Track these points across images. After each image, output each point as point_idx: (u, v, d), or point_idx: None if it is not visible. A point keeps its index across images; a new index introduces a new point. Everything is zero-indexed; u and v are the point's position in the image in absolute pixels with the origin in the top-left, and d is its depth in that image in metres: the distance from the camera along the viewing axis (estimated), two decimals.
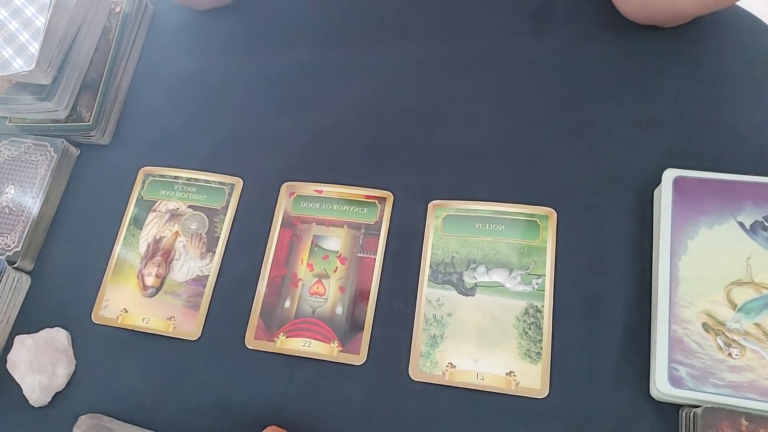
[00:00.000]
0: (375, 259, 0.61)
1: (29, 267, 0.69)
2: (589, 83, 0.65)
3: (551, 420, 0.53)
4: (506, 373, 0.55)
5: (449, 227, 0.61)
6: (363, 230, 0.63)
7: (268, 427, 0.55)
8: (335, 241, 0.63)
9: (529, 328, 0.56)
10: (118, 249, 0.67)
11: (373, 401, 0.56)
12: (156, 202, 0.69)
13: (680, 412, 0.51)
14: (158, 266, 0.65)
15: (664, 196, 0.54)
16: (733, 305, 0.50)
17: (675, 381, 0.49)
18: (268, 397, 0.58)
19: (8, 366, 0.63)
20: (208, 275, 0.64)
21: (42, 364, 0.61)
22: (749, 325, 0.49)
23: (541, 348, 0.55)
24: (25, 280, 0.68)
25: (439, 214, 0.62)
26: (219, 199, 0.68)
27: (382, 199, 0.64)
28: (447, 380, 0.55)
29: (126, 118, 0.76)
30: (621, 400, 0.53)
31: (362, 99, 0.70)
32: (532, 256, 0.58)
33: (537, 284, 0.57)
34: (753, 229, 0.52)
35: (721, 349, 0.49)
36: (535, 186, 0.61)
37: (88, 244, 0.69)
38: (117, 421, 0.59)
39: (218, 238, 0.66)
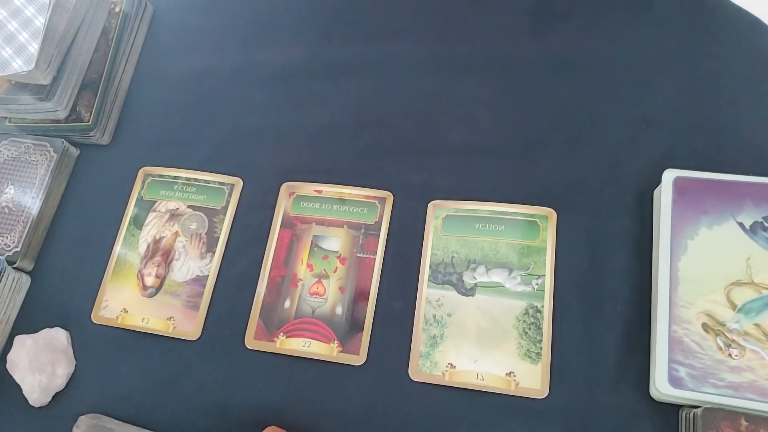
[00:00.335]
0: (375, 259, 0.61)
1: (29, 267, 0.69)
2: (589, 83, 0.65)
3: (551, 420, 0.53)
4: (506, 374, 0.55)
5: (449, 227, 0.61)
6: (363, 230, 0.63)
7: (268, 427, 0.55)
8: (335, 241, 0.63)
9: (529, 329, 0.56)
10: (117, 249, 0.67)
11: (373, 401, 0.56)
12: (156, 202, 0.69)
13: (680, 412, 0.51)
14: (158, 266, 0.65)
15: (664, 196, 0.54)
16: (733, 305, 0.50)
17: (675, 381, 0.49)
18: (268, 397, 0.58)
19: (8, 366, 0.63)
20: (208, 275, 0.64)
21: (42, 364, 0.61)
22: (749, 326, 0.49)
23: (541, 348, 0.55)
24: (25, 280, 0.68)
25: (439, 214, 0.62)
26: (219, 199, 0.68)
27: (382, 199, 0.64)
28: (447, 380, 0.55)
29: (126, 118, 0.76)
30: (621, 400, 0.53)
31: (362, 99, 0.70)
32: (532, 256, 0.58)
33: (537, 284, 0.57)
34: (753, 229, 0.52)
35: (721, 349, 0.49)
36: (535, 186, 0.61)
37: (88, 244, 0.69)
38: (117, 421, 0.59)
39: (218, 238, 0.66)
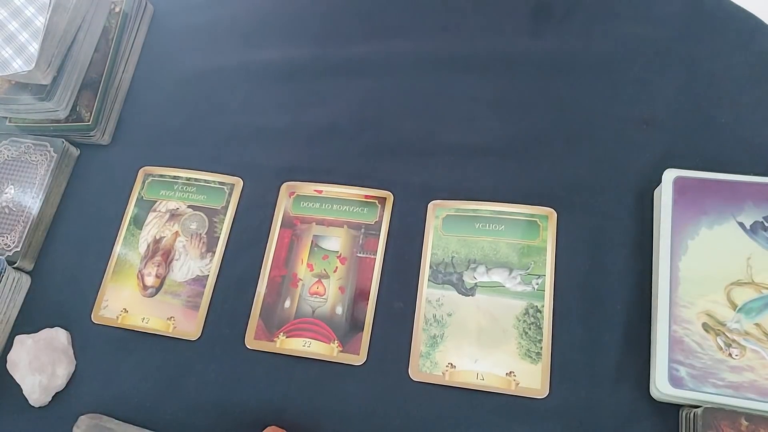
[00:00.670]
0: (375, 259, 0.61)
1: (29, 267, 0.69)
2: (589, 83, 0.65)
3: (551, 420, 0.53)
4: (506, 373, 0.55)
5: (449, 227, 0.61)
6: (363, 230, 0.63)
7: (268, 427, 0.55)
8: (335, 241, 0.63)
9: (529, 328, 0.56)
10: (118, 249, 0.67)
11: (373, 401, 0.56)
12: (156, 202, 0.69)
13: (680, 412, 0.51)
14: (158, 266, 0.65)
15: (664, 196, 0.54)
16: (733, 305, 0.50)
17: (675, 381, 0.49)
18: (268, 397, 0.58)
19: (8, 366, 0.63)
20: (208, 275, 0.64)
21: (42, 364, 0.61)
22: (749, 326, 0.49)
23: (541, 348, 0.55)
24: (25, 280, 0.68)
25: (439, 214, 0.62)
26: (219, 199, 0.68)
27: (382, 199, 0.64)
28: (447, 380, 0.55)
29: (126, 118, 0.76)
30: (621, 400, 0.53)
31: (362, 99, 0.70)
32: (532, 256, 0.58)
33: (537, 284, 0.57)
34: (753, 229, 0.52)
35: (721, 349, 0.49)
36: (535, 186, 0.61)
37: (88, 244, 0.69)
38: (117, 421, 0.59)
39: (218, 238, 0.66)
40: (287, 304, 0.61)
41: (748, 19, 0.65)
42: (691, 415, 0.48)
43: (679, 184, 0.55)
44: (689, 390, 0.48)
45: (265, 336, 0.60)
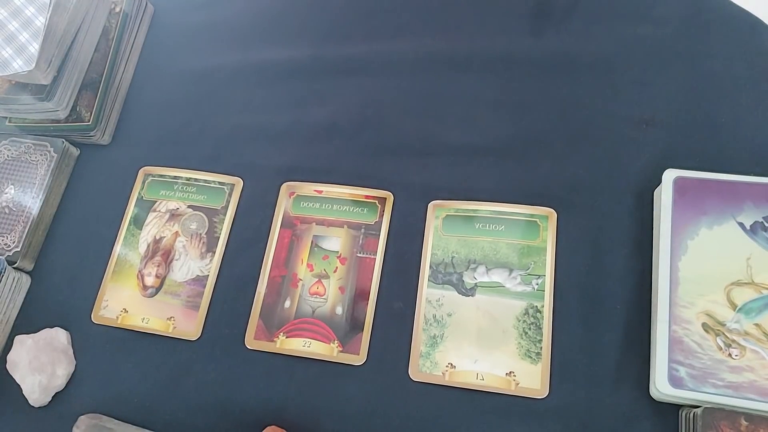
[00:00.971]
0: (375, 259, 0.61)
1: (29, 267, 0.69)
2: (589, 83, 0.65)
3: (551, 420, 0.53)
4: (506, 373, 0.55)
5: (449, 227, 0.61)
6: (363, 230, 0.63)
7: (268, 427, 0.55)
8: (335, 241, 0.63)
9: (529, 329, 0.56)
10: (118, 249, 0.67)
11: (373, 401, 0.56)
12: (156, 202, 0.69)
13: (680, 412, 0.51)
14: (158, 266, 0.65)
15: (664, 196, 0.54)
16: (733, 305, 0.50)
17: (675, 381, 0.49)
18: (268, 397, 0.58)
19: (8, 366, 0.63)
20: (208, 275, 0.64)
21: (42, 364, 0.61)
22: (749, 326, 0.49)
23: (541, 348, 0.55)
24: (25, 280, 0.68)
25: (439, 214, 0.62)
26: (219, 199, 0.68)
27: (382, 199, 0.64)
28: (447, 380, 0.55)
29: (126, 118, 0.76)
30: (621, 400, 0.53)
31: (362, 99, 0.70)
32: (532, 256, 0.58)
33: (537, 284, 0.57)
34: (753, 230, 0.52)
35: (721, 349, 0.49)
36: (535, 186, 0.61)
37: (88, 244, 0.69)
38: (117, 421, 0.59)
39: (218, 238, 0.66)
40: (287, 304, 0.61)
41: (748, 18, 0.65)
42: (691, 415, 0.48)
43: (679, 184, 0.54)
44: (689, 390, 0.48)
45: (265, 336, 0.60)
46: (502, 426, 0.54)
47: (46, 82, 0.68)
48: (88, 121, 0.72)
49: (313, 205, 0.65)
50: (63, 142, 0.72)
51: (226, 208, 0.67)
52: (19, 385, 0.62)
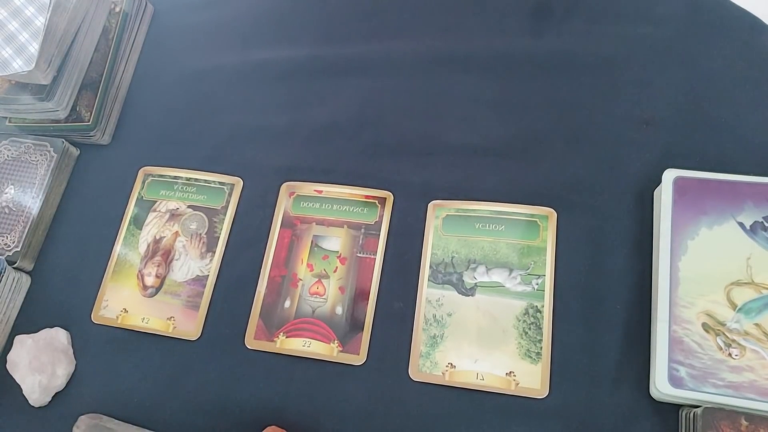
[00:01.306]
0: (375, 259, 0.61)
1: (29, 267, 0.69)
2: (589, 83, 0.65)
3: (551, 420, 0.53)
4: (506, 373, 0.55)
5: (449, 227, 0.61)
6: (363, 230, 0.63)
7: (268, 427, 0.55)
8: (335, 241, 0.63)
9: (529, 328, 0.56)
10: (118, 249, 0.67)
11: (373, 401, 0.56)
12: (156, 202, 0.69)
13: (680, 412, 0.51)
14: (158, 266, 0.65)
15: (664, 196, 0.54)
16: (733, 305, 0.50)
17: (675, 381, 0.49)
18: (268, 397, 0.58)
19: (8, 366, 0.63)
20: (208, 275, 0.64)
21: (42, 364, 0.61)
22: (749, 326, 0.49)
23: (541, 348, 0.55)
24: (25, 280, 0.68)
25: (439, 214, 0.62)
26: (219, 199, 0.68)
27: (382, 199, 0.64)
28: (447, 380, 0.55)
29: (126, 118, 0.76)
30: (621, 400, 0.53)
31: (362, 99, 0.70)
32: (532, 256, 0.58)
33: (537, 284, 0.57)
34: (753, 230, 0.52)
35: (721, 349, 0.49)
36: (535, 186, 0.61)
37: (88, 244, 0.69)
38: (117, 421, 0.59)
39: (218, 238, 0.66)
40: (287, 304, 0.61)
41: (747, 18, 0.65)
42: (691, 415, 0.48)
43: (679, 184, 0.54)
44: (689, 390, 0.48)
45: (265, 336, 0.60)
46: (502, 426, 0.54)
47: (46, 82, 0.68)
48: (88, 121, 0.72)
49: (313, 205, 0.65)
50: (63, 142, 0.72)
51: (226, 208, 0.67)
52: (19, 385, 0.62)
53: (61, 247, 0.70)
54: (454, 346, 0.56)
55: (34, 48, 0.66)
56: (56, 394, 0.62)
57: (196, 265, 0.65)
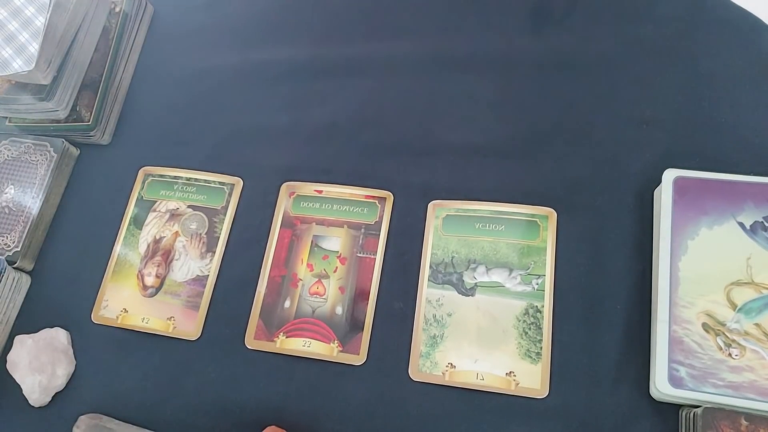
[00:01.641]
0: (375, 259, 0.61)
1: (29, 267, 0.69)
2: (589, 83, 0.65)
3: (551, 420, 0.53)
4: (506, 373, 0.55)
5: (449, 227, 0.61)
6: (363, 230, 0.63)
7: (268, 427, 0.55)
8: (335, 241, 0.63)
9: (529, 328, 0.56)
10: (118, 249, 0.67)
11: (373, 401, 0.56)
12: (156, 202, 0.69)
13: (680, 412, 0.51)
14: (158, 266, 0.65)
15: (664, 196, 0.54)
16: (733, 305, 0.50)
17: (675, 381, 0.49)
18: (268, 397, 0.58)
19: (8, 366, 0.63)
20: (208, 275, 0.64)
21: (42, 364, 0.61)
22: (749, 326, 0.49)
23: (541, 348, 0.55)
24: (25, 280, 0.68)
25: (439, 214, 0.62)
26: (219, 199, 0.68)
27: (382, 199, 0.64)
28: (447, 380, 0.55)
29: (126, 118, 0.76)
30: (621, 400, 0.53)
31: (362, 99, 0.70)
32: (532, 256, 0.58)
33: (537, 284, 0.57)
34: (753, 230, 0.52)
35: (721, 349, 0.49)
36: (535, 186, 0.61)
37: (88, 244, 0.69)
38: (117, 421, 0.59)
39: (218, 238, 0.66)
40: (287, 304, 0.61)
41: (748, 19, 0.65)
42: (691, 415, 0.48)
43: (679, 184, 0.54)
44: (689, 390, 0.48)
45: (265, 336, 0.60)
46: (502, 426, 0.54)
47: (46, 82, 0.68)
48: (88, 121, 0.72)
49: (313, 205, 0.65)
50: (63, 142, 0.72)
51: (226, 208, 0.67)
52: (19, 385, 0.62)
53: (61, 247, 0.70)
54: (454, 346, 0.56)
55: (34, 48, 0.66)
56: (56, 394, 0.62)
57: (196, 265, 0.65)
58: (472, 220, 0.61)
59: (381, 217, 0.63)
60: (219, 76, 0.75)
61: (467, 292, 0.58)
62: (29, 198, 0.69)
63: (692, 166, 0.56)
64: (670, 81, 0.63)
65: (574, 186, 0.61)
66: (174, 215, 0.68)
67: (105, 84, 0.74)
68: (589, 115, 0.63)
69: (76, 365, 0.63)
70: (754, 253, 0.51)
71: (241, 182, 0.68)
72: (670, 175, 0.55)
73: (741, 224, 0.52)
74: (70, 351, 0.64)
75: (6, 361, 0.63)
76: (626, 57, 0.65)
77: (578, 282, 0.57)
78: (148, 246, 0.67)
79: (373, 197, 0.64)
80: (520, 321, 0.56)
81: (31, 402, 0.61)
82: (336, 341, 0.59)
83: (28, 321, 0.66)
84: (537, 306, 0.56)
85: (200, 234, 0.66)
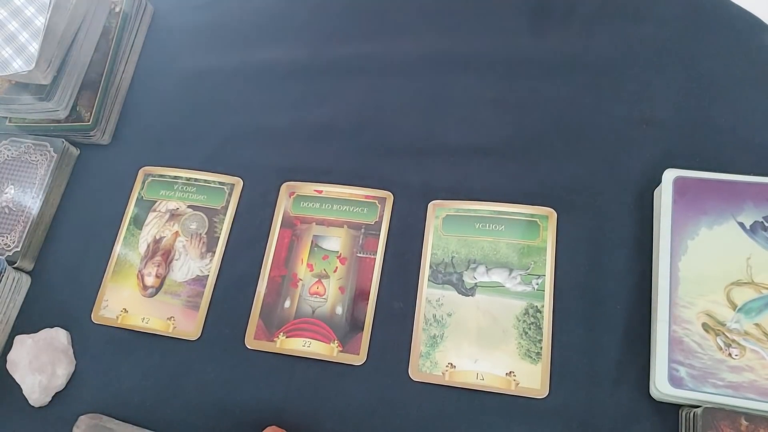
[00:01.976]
0: (375, 259, 0.61)
1: (29, 267, 0.69)
2: (589, 83, 0.65)
3: (551, 420, 0.53)
4: (506, 373, 0.55)
5: (449, 227, 0.61)
6: (363, 230, 0.63)
7: (268, 427, 0.55)
8: (335, 241, 0.63)
9: (529, 328, 0.56)
10: (118, 249, 0.67)
11: (373, 401, 0.56)
12: (156, 202, 0.69)
13: (680, 412, 0.51)
14: (158, 266, 0.65)
15: (664, 196, 0.54)
16: (733, 305, 0.50)
17: (675, 381, 0.49)
18: (268, 397, 0.58)
19: (8, 366, 0.63)
20: (208, 275, 0.64)
21: (42, 364, 0.61)
22: (749, 326, 0.49)
23: (541, 348, 0.55)
24: (25, 280, 0.68)
25: (439, 214, 0.62)
26: (219, 199, 0.68)
27: (382, 199, 0.64)
28: (447, 380, 0.55)
29: (126, 118, 0.76)
30: (621, 400, 0.53)
31: (362, 99, 0.70)
32: (532, 256, 0.58)
33: (537, 284, 0.57)
34: (753, 229, 0.52)
35: (721, 349, 0.49)
36: (535, 186, 0.61)
37: (88, 244, 0.69)
38: (117, 421, 0.59)
39: (218, 238, 0.66)
40: (287, 304, 0.61)
41: (748, 18, 0.65)
42: (691, 415, 0.48)
43: (679, 184, 0.55)
44: (689, 390, 0.48)
45: (265, 336, 0.60)
46: (502, 426, 0.54)
47: (46, 82, 0.68)
48: (88, 121, 0.72)
49: (313, 205, 0.65)
50: (63, 142, 0.72)
51: (226, 208, 0.67)
52: (19, 385, 0.62)
53: (61, 247, 0.70)
54: (454, 346, 0.56)
55: (34, 48, 0.66)
56: (56, 394, 0.62)
57: (196, 265, 0.65)
58: (472, 220, 0.61)
59: (381, 217, 0.63)
60: (219, 76, 0.75)
61: (467, 292, 0.58)
62: (29, 198, 0.69)
63: (692, 166, 0.56)
64: (670, 81, 0.63)
65: (574, 186, 0.61)
66: (174, 215, 0.68)
67: (105, 84, 0.74)
68: (589, 115, 0.63)
69: (76, 365, 0.63)
70: (754, 253, 0.51)
71: (241, 182, 0.68)
72: (670, 175, 0.55)
73: (741, 224, 0.52)
74: (70, 351, 0.64)
75: (6, 361, 0.63)
76: (626, 57, 0.65)
77: (578, 282, 0.57)
78: (148, 246, 0.67)
79: (373, 197, 0.64)
80: (520, 321, 0.56)
81: (31, 402, 0.61)
82: (336, 341, 0.59)
83: (28, 321, 0.66)
84: (537, 306, 0.56)
85: (200, 234, 0.66)
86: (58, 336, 0.64)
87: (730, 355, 0.49)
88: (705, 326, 0.50)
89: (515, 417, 0.54)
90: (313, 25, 0.76)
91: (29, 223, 0.68)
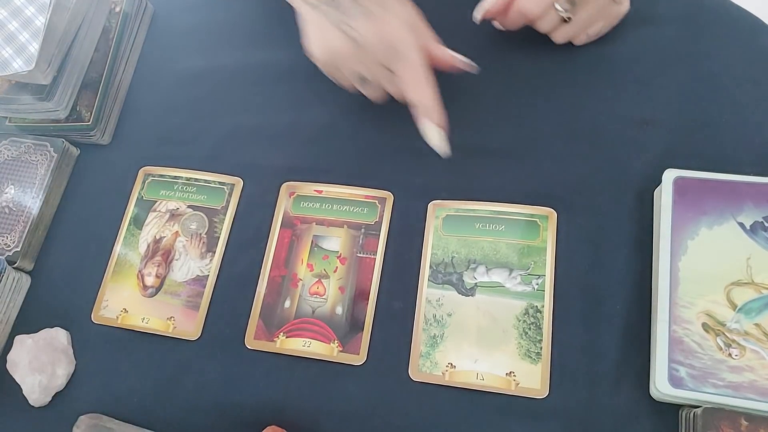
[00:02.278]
0: (375, 259, 0.61)
1: (29, 267, 0.69)
2: (589, 83, 0.65)
3: (551, 420, 0.53)
4: (506, 373, 0.55)
5: (449, 227, 0.61)
6: (363, 230, 0.63)
7: (268, 427, 0.55)
8: (335, 241, 0.63)
9: (529, 328, 0.56)
10: (118, 249, 0.67)
11: (373, 401, 0.56)
12: (156, 202, 0.69)
13: (680, 412, 0.51)
14: (158, 266, 0.65)
15: (664, 196, 0.54)
16: (733, 305, 0.50)
17: (675, 381, 0.49)
18: (268, 397, 0.58)
19: (8, 366, 0.63)
20: (208, 275, 0.64)
21: (42, 364, 0.61)
22: (749, 326, 0.49)
23: (541, 348, 0.55)
24: (25, 280, 0.68)
25: (439, 214, 0.62)
26: (219, 199, 0.68)
27: (382, 199, 0.64)
28: (447, 380, 0.55)
29: (126, 118, 0.76)
30: (621, 400, 0.52)
31: (362, 98, 0.70)
32: (532, 256, 0.58)
33: (537, 284, 0.57)
34: (753, 230, 0.52)
35: (721, 349, 0.49)
36: (535, 186, 0.61)
37: (88, 244, 0.69)
38: (117, 421, 0.59)
39: (218, 238, 0.66)
40: (287, 304, 0.61)
41: (748, 18, 0.65)
42: (691, 415, 0.48)
43: (679, 184, 0.54)
44: (689, 390, 0.48)
45: (265, 336, 0.60)
46: (502, 426, 0.54)
47: (46, 82, 0.68)
48: (88, 121, 0.72)
49: (313, 205, 0.65)
50: (63, 142, 0.72)
51: (226, 208, 0.67)
52: (19, 385, 0.62)
53: (61, 247, 0.70)
54: (454, 346, 0.56)
55: (34, 48, 0.66)
56: (56, 394, 0.62)
57: (196, 265, 0.65)
58: (472, 220, 0.61)
59: (381, 217, 0.63)
60: (219, 76, 0.75)
61: (467, 292, 0.58)
62: (29, 198, 0.69)
63: (692, 166, 0.56)
64: (670, 81, 0.63)
65: (574, 186, 0.61)
66: (174, 215, 0.68)
67: (105, 84, 0.74)
68: (589, 115, 0.63)
69: (76, 365, 0.63)
70: (754, 253, 0.51)
71: (241, 182, 0.68)
72: (670, 175, 0.55)
73: (741, 224, 0.52)
74: (70, 351, 0.64)
75: (6, 361, 0.63)
76: (626, 57, 0.65)
77: (578, 282, 0.57)
78: (148, 246, 0.67)
79: (373, 197, 0.64)
80: (520, 321, 0.56)
81: (31, 402, 0.61)
82: (336, 341, 0.59)
83: (28, 321, 0.66)
84: (537, 306, 0.56)
85: (200, 234, 0.66)
86: (58, 336, 0.64)
87: (730, 355, 0.49)
88: (705, 326, 0.50)
89: (515, 417, 0.54)
90: None
91: (29, 223, 0.68)
